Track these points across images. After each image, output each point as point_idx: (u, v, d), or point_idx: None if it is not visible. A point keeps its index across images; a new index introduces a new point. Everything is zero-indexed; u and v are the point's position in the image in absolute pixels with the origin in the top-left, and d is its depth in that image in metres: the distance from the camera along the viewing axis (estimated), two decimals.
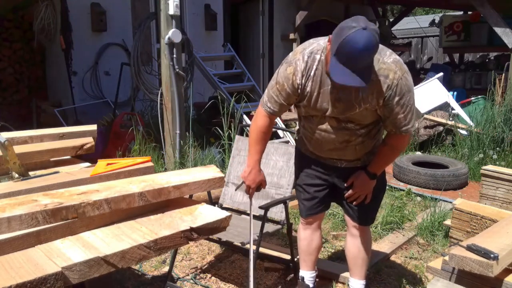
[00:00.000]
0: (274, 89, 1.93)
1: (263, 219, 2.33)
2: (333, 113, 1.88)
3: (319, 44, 1.88)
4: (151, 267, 2.77)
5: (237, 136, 2.90)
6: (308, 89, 1.87)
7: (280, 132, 5.45)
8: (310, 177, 2.17)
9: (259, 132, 2.03)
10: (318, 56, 1.83)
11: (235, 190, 2.18)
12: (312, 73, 1.85)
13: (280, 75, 1.91)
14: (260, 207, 2.34)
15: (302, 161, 2.20)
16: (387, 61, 1.80)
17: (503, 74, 6.02)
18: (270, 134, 2.10)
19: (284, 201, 2.46)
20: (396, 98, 1.80)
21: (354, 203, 2.09)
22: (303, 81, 1.86)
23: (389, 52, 1.86)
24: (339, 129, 1.93)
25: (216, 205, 2.82)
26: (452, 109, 5.98)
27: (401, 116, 1.85)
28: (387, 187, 2.42)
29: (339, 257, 2.87)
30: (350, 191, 2.06)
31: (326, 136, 1.98)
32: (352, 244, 2.22)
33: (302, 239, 2.31)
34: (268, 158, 2.71)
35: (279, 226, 2.58)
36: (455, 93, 7.17)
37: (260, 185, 2.11)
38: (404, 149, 2.12)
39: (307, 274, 2.34)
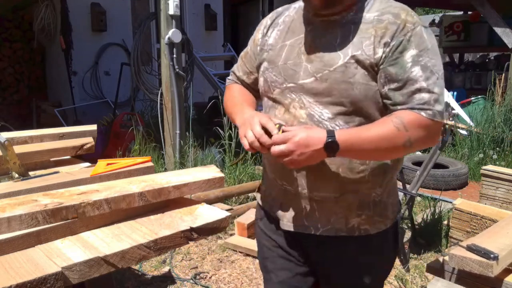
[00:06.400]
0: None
1: None
2: (305, 74, 1.16)
3: None
4: (151, 267, 2.77)
5: None
6: (270, 41, 1.28)
7: None
8: (271, 260, 1.38)
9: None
10: (297, 5, 1.30)
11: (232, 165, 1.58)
12: (280, 20, 1.30)
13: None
14: None
15: (257, 231, 1.46)
16: (399, 5, 1.17)
17: (503, 74, 6.02)
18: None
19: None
20: (413, 51, 1.09)
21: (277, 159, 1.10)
22: (265, 31, 1.32)
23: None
24: (309, 120, 1.16)
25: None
26: (452, 109, 5.98)
27: (422, 83, 1.08)
28: None
29: None
30: (278, 137, 1.08)
31: None
32: None
33: None
34: None
35: None
36: (455, 93, 7.17)
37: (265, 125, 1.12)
38: (420, 143, 1.12)
39: None
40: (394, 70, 1.10)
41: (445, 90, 6.06)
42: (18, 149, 1.87)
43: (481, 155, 4.90)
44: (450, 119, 5.69)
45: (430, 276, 2.52)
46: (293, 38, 1.23)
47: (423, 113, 1.08)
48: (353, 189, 1.19)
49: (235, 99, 1.39)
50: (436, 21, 10.32)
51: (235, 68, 1.46)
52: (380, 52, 1.11)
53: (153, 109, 5.81)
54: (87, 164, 2.06)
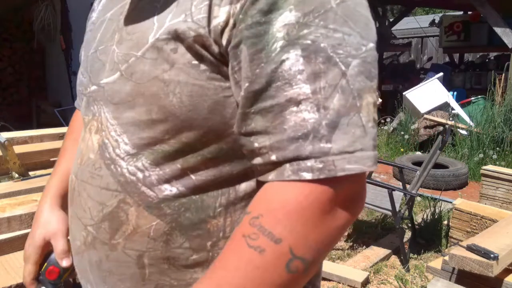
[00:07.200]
0: None
1: None
2: (110, 66, 0.60)
3: None
4: None
5: None
6: (93, 17, 0.74)
7: None
8: None
9: None
10: None
11: None
12: None
13: None
14: None
15: None
16: None
17: (503, 74, 6.02)
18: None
19: None
20: (289, 15, 0.48)
21: None
22: (94, 6, 0.78)
23: None
24: (100, 157, 0.62)
25: None
26: (452, 109, 5.98)
27: (301, 87, 0.47)
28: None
29: (339, 257, 2.87)
30: None
31: (82, 176, 0.65)
32: None
33: None
34: None
35: None
36: (455, 93, 7.17)
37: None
38: (328, 246, 0.50)
39: None
40: (249, 50, 0.50)
41: (445, 90, 6.09)
42: (18, 149, 1.87)
43: (481, 155, 4.90)
44: (450, 119, 5.69)
45: (430, 276, 2.52)
46: (118, 5, 0.66)
47: (304, 174, 0.47)
48: None
49: (65, 141, 0.87)
50: (436, 21, 10.33)
51: None
52: (223, 13, 0.52)
53: None
54: None
